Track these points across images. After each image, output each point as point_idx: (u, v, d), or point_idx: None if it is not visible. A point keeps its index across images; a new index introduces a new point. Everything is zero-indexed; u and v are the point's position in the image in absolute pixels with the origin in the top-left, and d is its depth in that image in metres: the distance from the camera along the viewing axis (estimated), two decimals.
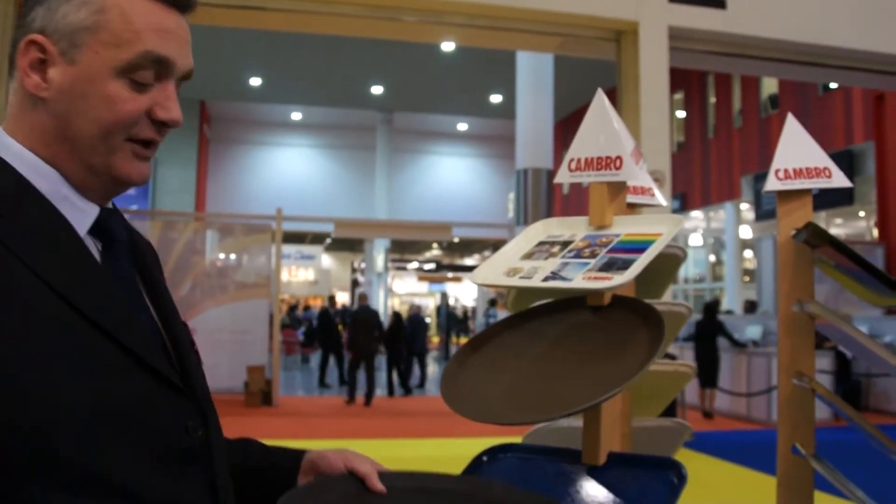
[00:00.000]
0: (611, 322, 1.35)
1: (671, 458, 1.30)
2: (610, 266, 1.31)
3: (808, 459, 1.66)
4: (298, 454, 1.28)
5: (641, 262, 1.28)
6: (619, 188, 1.51)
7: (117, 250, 1.07)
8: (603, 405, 1.29)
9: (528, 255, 1.45)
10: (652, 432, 1.73)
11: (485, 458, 1.39)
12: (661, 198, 1.83)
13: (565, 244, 1.45)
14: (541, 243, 1.48)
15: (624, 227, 1.44)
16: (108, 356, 0.95)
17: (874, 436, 1.56)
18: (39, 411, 0.88)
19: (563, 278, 1.33)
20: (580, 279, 1.31)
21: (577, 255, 1.39)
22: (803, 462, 1.69)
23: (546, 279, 1.35)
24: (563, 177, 1.53)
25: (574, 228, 1.50)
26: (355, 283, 33.10)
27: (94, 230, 1.05)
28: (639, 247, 1.34)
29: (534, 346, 1.36)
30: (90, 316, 0.95)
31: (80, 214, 1.04)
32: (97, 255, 1.04)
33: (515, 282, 1.38)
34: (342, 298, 32.56)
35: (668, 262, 1.73)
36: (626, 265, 1.29)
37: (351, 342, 13.35)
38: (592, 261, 1.35)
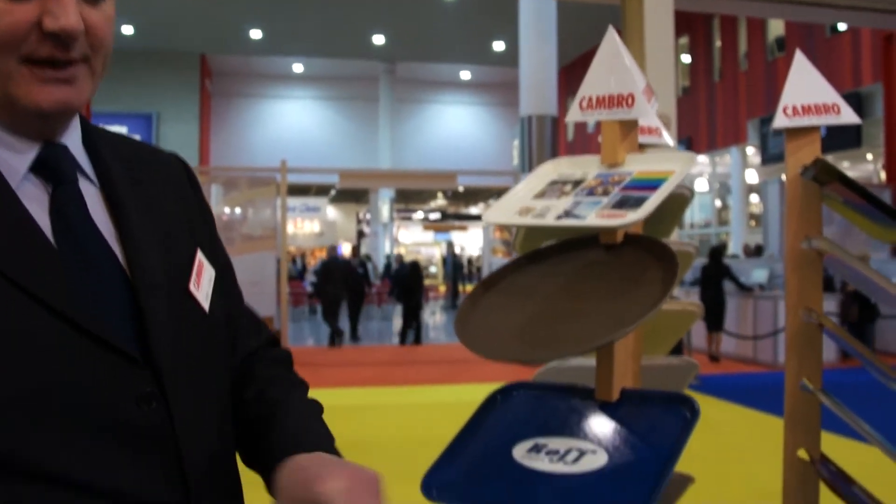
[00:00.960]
0: (623, 260, 1.36)
1: (684, 393, 1.32)
2: (623, 204, 1.32)
3: (816, 394, 1.68)
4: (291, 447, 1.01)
5: (655, 199, 1.29)
6: (630, 126, 1.51)
7: (68, 192, 0.92)
8: (616, 343, 1.31)
9: (541, 195, 1.46)
10: (660, 370, 1.75)
11: (499, 397, 1.41)
12: (668, 139, 1.83)
13: (577, 183, 1.45)
14: (553, 182, 1.49)
15: (636, 165, 1.44)
16: (32, 320, 0.82)
17: (882, 370, 1.58)
18: None
19: (577, 216, 1.34)
20: (594, 217, 1.32)
21: (590, 194, 1.39)
22: (811, 398, 1.71)
23: (559, 217, 1.35)
24: (574, 115, 1.53)
25: (586, 167, 1.50)
26: (361, 234, 33.14)
27: (41, 170, 0.91)
28: (652, 184, 1.34)
29: (546, 285, 1.38)
30: (7, 275, 0.81)
31: (11, 154, 0.89)
32: (45, 198, 0.90)
33: (528, 221, 1.39)
34: (348, 250, 32.64)
35: (676, 202, 1.74)
36: (639, 203, 1.30)
37: (319, 290, 13.68)
38: (605, 199, 1.35)
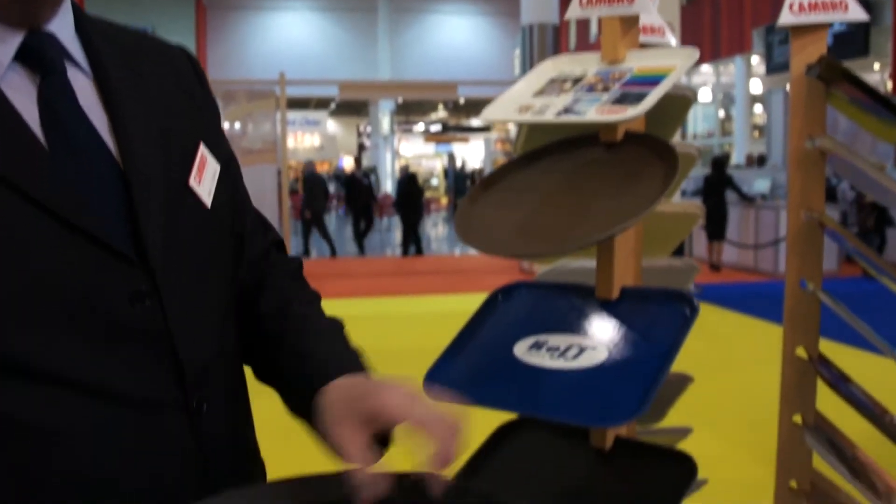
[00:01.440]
0: (623, 158, 1.35)
1: (683, 291, 1.32)
2: (623, 99, 1.30)
3: (816, 293, 1.69)
4: (332, 371, 0.96)
5: (656, 93, 1.27)
6: (631, 23, 1.48)
7: (57, 83, 0.87)
8: (617, 240, 1.31)
9: (540, 92, 1.44)
10: (661, 272, 1.75)
11: (500, 297, 1.42)
12: (671, 38, 1.80)
13: (577, 80, 1.43)
14: (552, 80, 1.47)
15: (637, 62, 1.42)
16: (17, 215, 0.79)
17: (883, 268, 1.58)
18: None
19: (577, 113, 1.32)
20: (593, 113, 1.30)
21: (590, 90, 1.38)
22: (811, 297, 1.72)
23: (559, 114, 1.34)
24: (574, 12, 1.50)
25: (586, 65, 1.48)
26: (361, 147, 32.97)
27: (28, 60, 0.86)
28: (652, 80, 1.32)
29: (546, 182, 1.37)
30: None
31: None
32: (33, 90, 0.85)
33: (528, 118, 1.38)
34: (349, 163, 32.51)
35: (678, 105, 1.71)
36: (639, 98, 1.28)
37: (306, 203, 14.33)
38: (605, 95, 1.34)
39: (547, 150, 1.45)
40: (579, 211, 1.27)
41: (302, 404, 0.96)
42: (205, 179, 0.98)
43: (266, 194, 12.65)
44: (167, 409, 0.88)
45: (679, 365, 1.21)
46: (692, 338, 1.23)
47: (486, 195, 1.38)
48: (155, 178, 0.90)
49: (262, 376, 1.09)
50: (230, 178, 1.06)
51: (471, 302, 1.42)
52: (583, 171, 1.37)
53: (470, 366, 1.28)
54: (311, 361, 0.99)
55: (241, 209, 1.10)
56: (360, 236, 15.78)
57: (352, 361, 1.00)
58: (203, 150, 0.99)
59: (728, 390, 5.55)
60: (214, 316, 0.97)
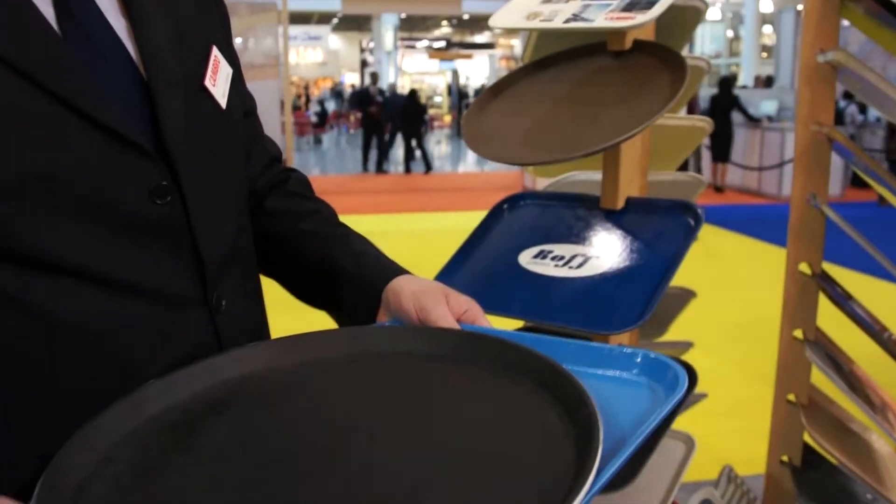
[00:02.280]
0: (631, 67, 1.33)
1: (687, 201, 1.32)
2: (633, 6, 1.27)
3: (822, 208, 1.69)
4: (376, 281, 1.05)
5: (666, 0, 1.25)
6: None
7: None
8: (623, 149, 1.30)
9: (548, 0, 1.42)
10: (667, 185, 1.75)
11: (505, 207, 1.42)
12: None
13: None
14: None
15: None
16: (39, 110, 0.79)
17: (890, 183, 1.58)
18: None
19: (585, 19, 1.30)
20: (602, 19, 1.28)
21: None
22: (816, 212, 1.72)
23: (567, 21, 1.31)
24: None
25: None
26: (364, 64, 32.56)
27: None
28: None
29: (553, 90, 1.35)
30: (7, 60, 0.77)
31: None
32: None
33: (536, 24, 1.35)
34: (352, 79, 32.17)
35: (688, 15, 1.68)
36: (649, 5, 1.26)
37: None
38: (615, 2, 1.31)
39: (555, 59, 1.43)
40: (587, 119, 1.26)
41: (353, 297, 1.05)
42: (219, 81, 0.99)
43: (269, 110, 12.57)
44: (188, 304, 0.90)
45: (681, 283, 1.21)
46: (694, 257, 1.24)
47: (494, 103, 1.37)
48: (174, 78, 0.90)
49: (278, 274, 1.14)
50: (240, 83, 1.07)
51: (473, 219, 1.42)
52: (591, 80, 1.35)
53: (475, 273, 1.29)
54: (369, 259, 1.08)
55: (249, 114, 1.12)
56: (382, 153, 15.65)
57: (397, 267, 1.08)
58: (216, 52, 1.00)
59: (729, 310, 5.59)
60: (232, 213, 0.99)
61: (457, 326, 0.96)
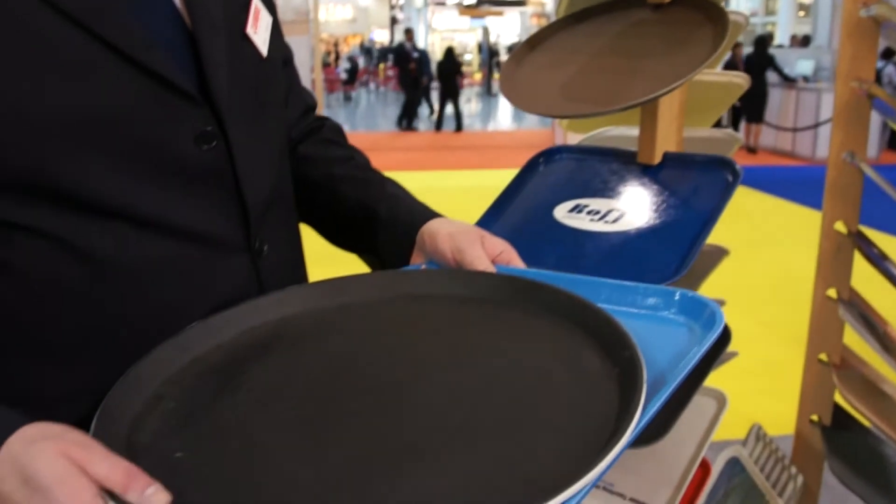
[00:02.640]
0: (671, 20, 1.32)
1: (726, 157, 1.31)
2: None
3: (860, 166, 1.67)
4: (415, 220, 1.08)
5: None
6: None
7: None
8: (661, 103, 1.29)
9: None
10: (702, 142, 1.73)
11: (541, 160, 1.41)
12: None
13: None
14: None
15: None
16: (87, 54, 0.79)
17: None
18: (11, 119, 0.76)
19: None
20: None
21: None
22: (853, 170, 1.70)
23: None
24: None
25: None
26: (394, 21, 32.35)
27: None
28: None
29: (591, 44, 1.34)
30: (60, 6, 0.78)
31: None
32: None
33: None
34: (381, 36, 31.96)
35: None
36: None
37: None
38: None
39: (592, 12, 1.41)
40: (625, 73, 1.25)
41: (388, 239, 1.08)
42: (260, 29, 1.00)
43: (298, 66, 12.50)
44: (232, 248, 0.92)
45: (713, 242, 1.20)
46: (726, 217, 1.22)
47: (530, 56, 1.36)
48: (217, 25, 0.91)
49: (312, 218, 1.16)
50: (278, 32, 1.08)
51: (504, 177, 1.42)
52: (629, 33, 1.34)
53: (510, 227, 1.29)
54: (403, 202, 1.11)
55: (287, 64, 1.14)
56: (410, 113, 15.63)
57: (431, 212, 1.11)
58: (256, 1, 1.01)
59: (761, 271, 5.56)
60: (274, 159, 1.00)
61: (492, 268, 0.97)
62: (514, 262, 1.00)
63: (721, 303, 1.94)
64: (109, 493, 0.61)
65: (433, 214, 1.08)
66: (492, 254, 0.99)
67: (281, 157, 1.04)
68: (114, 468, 0.62)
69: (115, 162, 0.81)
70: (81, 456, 0.63)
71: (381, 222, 1.09)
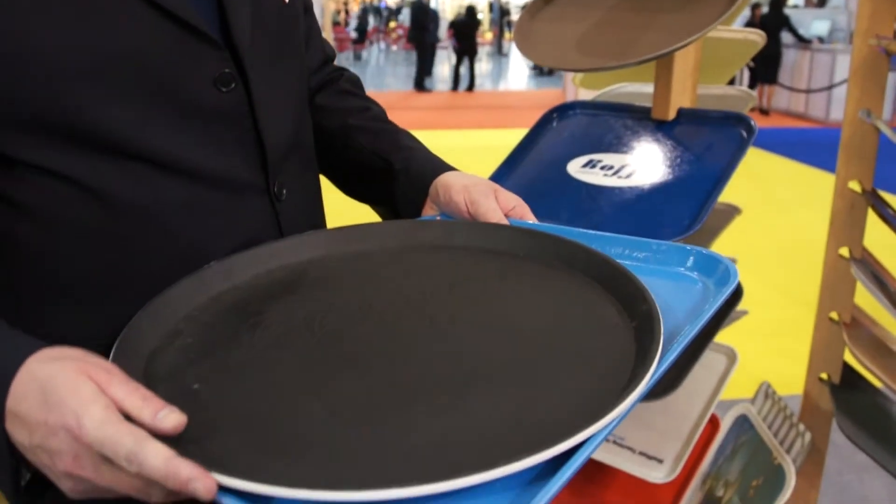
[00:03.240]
0: None
1: (740, 112, 1.31)
2: None
3: (876, 123, 1.66)
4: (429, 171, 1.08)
5: None
6: None
7: None
8: (676, 58, 1.28)
9: None
10: (717, 99, 1.72)
11: (555, 115, 1.41)
12: None
13: None
14: None
15: None
16: None
17: None
18: (31, 59, 0.76)
19: None
20: None
21: None
22: (869, 128, 1.69)
23: None
24: None
25: None
26: None
27: None
28: None
29: None
30: None
31: None
32: None
33: None
34: None
35: None
36: None
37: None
38: None
39: None
40: (640, 27, 1.24)
41: (401, 190, 1.08)
42: None
43: None
44: (251, 191, 0.92)
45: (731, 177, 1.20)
46: (738, 178, 1.22)
47: (545, 10, 1.35)
48: None
49: (327, 167, 1.16)
50: None
51: (516, 137, 1.41)
52: None
53: (523, 181, 1.29)
54: (417, 154, 1.10)
55: (307, 12, 1.13)
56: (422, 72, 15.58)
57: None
58: None
59: (772, 232, 5.54)
60: (293, 104, 1.01)
61: (505, 221, 0.98)
62: (527, 216, 1.00)
63: (732, 261, 1.95)
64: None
65: (447, 167, 1.09)
66: (505, 208, 1.00)
67: (301, 103, 1.04)
68: (131, 392, 0.63)
69: (134, 103, 0.82)
70: (101, 377, 0.64)
71: (395, 173, 1.10)
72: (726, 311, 1.33)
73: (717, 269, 0.82)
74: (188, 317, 0.80)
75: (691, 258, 0.85)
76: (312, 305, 0.83)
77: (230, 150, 0.90)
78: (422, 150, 1.12)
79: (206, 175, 0.87)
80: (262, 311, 0.82)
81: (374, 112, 1.17)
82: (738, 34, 1.73)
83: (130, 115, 0.81)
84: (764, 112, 11.65)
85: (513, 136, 1.46)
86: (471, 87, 15.06)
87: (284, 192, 0.96)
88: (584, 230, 0.92)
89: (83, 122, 0.80)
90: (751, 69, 11.23)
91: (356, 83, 1.22)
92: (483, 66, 21.38)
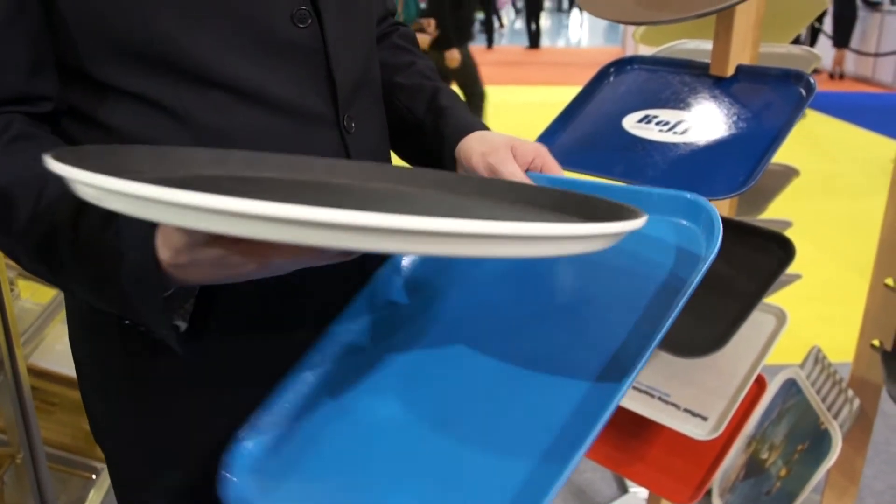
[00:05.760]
0: None
1: (800, 70, 1.29)
2: None
3: None
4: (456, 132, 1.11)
5: None
6: None
7: None
8: (738, 12, 1.27)
9: None
10: (779, 58, 1.69)
11: (612, 70, 1.40)
12: None
13: None
14: None
15: None
16: None
17: None
18: None
19: None
20: None
21: None
22: None
23: None
24: None
25: None
26: None
27: None
28: None
29: None
30: None
31: None
32: None
33: None
34: None
35: None
36: None
37: None
38: None
39: None
40: None
41: (431, 152, 1.12)
42: None
43: None
44: (322, 123, 0.98)
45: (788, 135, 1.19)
46: (800, 142, 1.21)
47: None
48: None
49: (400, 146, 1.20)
50: None
51: (573, 94, 1.40)
52: None
53: (578, 135, 1.29)
54: (449, 116, 1.12)
55: None
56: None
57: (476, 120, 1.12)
58: None
59: (829, 197, 5.45)
60: (363, 42, 1.05)
61: (527, 180, 0.99)
62: (548, 164, 1.02)
63: (787, 224, 1.92)
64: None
65: (472, 128, 1.10)
66: (525, 163, 1.01)
67: (370, 44, 1.08)
68: None
69: (216, 34, 0.87)
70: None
71: (427, 135, 1.13)
72: (778, 271, 1.32)
73: (701, 216, 0.83)
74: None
75: (684, 206, 0.86)
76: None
77: (303, 83, 0.95)
78: (454, 111, 1.14)
79: (281, 105, 0.93)
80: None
81: (417, 67, 1.20)
82: None
83: (213, 45, 0.87)
84: (834, 76, 11.36)
85: (570, 93, 1.45)
86: (536, 44, 15.04)
87: (353, 125, 1.00)
88: (590, 182, 0.94)
89: (169, 49, 0.86)
90: (815, 29, 10.94)
91: (410, 38, 1.26)
92: (542, 22, 21.20)
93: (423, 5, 6.28)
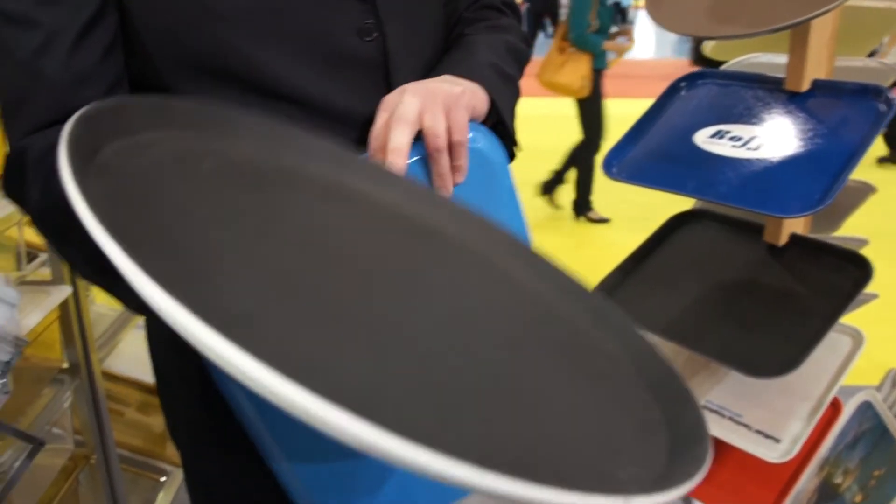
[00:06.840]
0: None
1: (879, 85, 1.26)
2: None
3: None
4: None
5: None
6: None
7: None
8: (813, 27, 1.24)
9: None
10: (856, 72, 1.65)
11: (683, 84, 1.38)
12: None
13: None
14: None
15: None
16: None
17: None
18: (196, 8, 0.86)
19: None
20: None
21: None
22: None
23: None
24: None
25: None
26: None
27: None
28: None
29: None
30: None
31: None
32: None
33: None
34: None
35: None
36: None
37: None
38: None
39: None
40: None
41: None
42: None
43: None
44: None
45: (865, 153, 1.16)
46: (872, 157, 1.17)
47: None
48: None
49: None
50: None
51: (639, 107, 1.39)
52: None
53: (649, 150, 1.27)
54: (476, 75, 1.05)
55: None
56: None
57: (475, 69, 1.04)
58: None
59: None
60: (427, 53, 1.07)
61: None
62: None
63: (864, 242, 1.87)
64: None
65: (453, 69, 1.05)
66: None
67: (435, 51, 1.10)
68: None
69: (285, 49, 0.90)
70: None
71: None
72: (854, 291, 1.29)
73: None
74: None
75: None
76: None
77: (367, 95, 0.97)
78: (467, 45, 1.10)
79: (346, 116, 0.96)
80: None
81: (479, 23, 1.16)
82: (881, 2, 1.66)
83: (283, 60, 0.90)
84: None
85: (636, 106, 1.43)
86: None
87: None
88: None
89: (240, 64, 0.89)
90: None
91: (510, 5, 1.23)
92: None
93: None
